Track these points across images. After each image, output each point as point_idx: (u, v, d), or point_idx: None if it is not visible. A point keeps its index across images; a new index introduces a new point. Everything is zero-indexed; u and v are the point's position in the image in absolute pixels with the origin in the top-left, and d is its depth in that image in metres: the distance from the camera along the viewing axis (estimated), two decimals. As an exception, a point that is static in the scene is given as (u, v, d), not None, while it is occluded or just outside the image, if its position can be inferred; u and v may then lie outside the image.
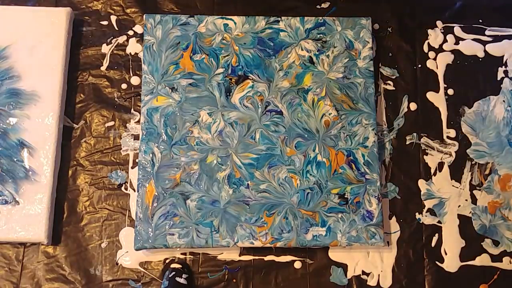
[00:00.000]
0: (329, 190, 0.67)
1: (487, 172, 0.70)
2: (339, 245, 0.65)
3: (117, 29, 0.74)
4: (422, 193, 0.70)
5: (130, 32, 0.74)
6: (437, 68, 0.74)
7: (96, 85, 0.72)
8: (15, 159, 0.67)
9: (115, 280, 0.66)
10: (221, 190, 0.66)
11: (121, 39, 0.74)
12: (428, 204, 0.69)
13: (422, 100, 0.73)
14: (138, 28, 0.74)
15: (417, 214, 0.69)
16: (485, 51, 0.75)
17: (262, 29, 0.72)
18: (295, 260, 0.67)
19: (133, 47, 0.74)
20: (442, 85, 0.73)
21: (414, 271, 0.67)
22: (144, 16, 0.72)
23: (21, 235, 0.65)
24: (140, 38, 0.74)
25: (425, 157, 0.71)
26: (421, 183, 0.70)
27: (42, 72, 0.69)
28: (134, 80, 0.72)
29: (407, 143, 0.72)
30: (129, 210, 0.68)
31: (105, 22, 0.74)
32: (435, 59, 0.74)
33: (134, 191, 0.69)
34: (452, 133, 0.72)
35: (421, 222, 0.69)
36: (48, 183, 0.66)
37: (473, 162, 0.71)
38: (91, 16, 0.75)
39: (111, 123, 0.71)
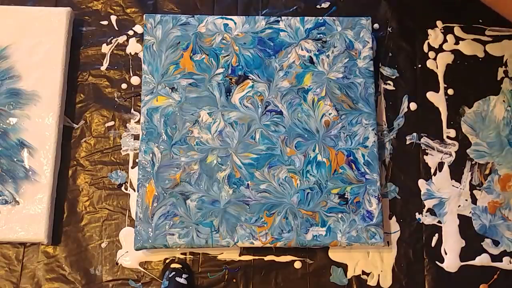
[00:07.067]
0: (329, 190, 0.67)
1: (487, 172, 0.70)
2: (339, 245, 0.65)
3: (117, 29, 0.74)
4: (422, 193, 0.70)
5: (130, 32, 0.74)
6: (437, 68, 0.74)
7: (96, 85, 0.72)
8: (15, 159, 0.67)
9: (115, 280, 0.66)
10: (221, 190, 0.66)
11: (121, 39, 0.74)
12: (428, 204, 0.69)
13: (422, 100, 0.73)
14: (138, 28, 0.74)
15: (417, 214, 0.69)
16: (485, 51, 0.75)
17: (262, 29, 0.72)
18: (295, 260, 0.67)
19: (133, 47, 0.74)
20: (442, 85, 0.73)
21: (414, 271, 0.68)
22: (144, 16, 0.72)
23: (21, 235, 0.65)
24: (140, 38, 0.74)
25: (425, 157, 0.71)
26: (421, 183, 0.70)
27: (42, 72, 0.69)
28: (134, 80, 0.72)
29: (407, 143, 0.72)
30: (129, 210, 0.68)
31: (105, 22, 0.74)
32: (435, 59, 0.74)
33: (134, 191, 0.69)
34: (452, 133, 0.72)
35: (421, 222, 0.69)
36: (48, 183, 0.66)
37: (473, 162, 0.71)
38: (91, 16, 0.75)
39: (111, 123, 0.71)
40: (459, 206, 0.69)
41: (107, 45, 0.74)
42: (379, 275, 0.67)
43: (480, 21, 0.75)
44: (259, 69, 0.70)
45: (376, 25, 0.75)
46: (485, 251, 0.68)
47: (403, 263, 0.68)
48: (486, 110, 0.73)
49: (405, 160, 0.71)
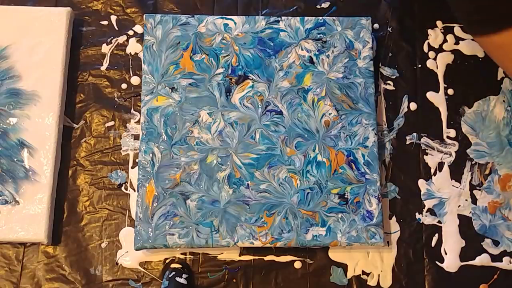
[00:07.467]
0: (329, 190, 0.67)
1: (487, 172, 0.70)
2: (339, 245, 0.65)
3: (117, 29, 0.74)
4: (422, 193, 0.70)
5: (130, 32, 0.74)
6: (437, 68, 0.74)
7: (96, 85, 0.72)
8: (15, 159, 0.67)
9: (115, 280, 0.66)
10: (221, 190, 0.66)
11: (121, 39, 0.74)
12: (428, 204, 0.69)
13: (422, 100, 0.73)
14: (138, 28, 0.74)
15: (417, 214, 0.69)
16: (485, 51, 0.74)
17: (262, 29, 0.72)
18: (295, 260, 0.67)
19: (133, 47, 0.74)
20: (442, 85, 0.73)
21: (414, 271, 0.67)
22: (144, 16, 0.72)
23: (21, 235, 0.65)
24: (140, 38, 0.74)
25: (425, 157, 0.71)
26: (421, 183, 0.70)
27: (42, 72, 0.69)
28: (134, 80, 0.72)
29: (407, 143, 0.72)
30: (129, 210, 0.68)
31: (105, 22, 0.74)
32: (435, 59, 0.74)
33: (134, 191, 0.69)
34: (452, 133, 0.72)
35: (421, 222, 0.69)
36: (48, 183, 0.66)
37: (473, 162, 0.71)
38: (91, 16, 0.75)
39: (111, 123, 0.71)
40: (459, 206, 0.69)
41: (107, 45, 0.74)
42: (379, 275, 0.67)
43: (480, 21, 0.75)
44: (259, 69, 0.70)
45: (376, 25, 0.75)
46: (485, 251, 0.68)
47: (403, 263, 0.68)
48: (486, 110, 0.73)
49: (405, 160, 0.71)
